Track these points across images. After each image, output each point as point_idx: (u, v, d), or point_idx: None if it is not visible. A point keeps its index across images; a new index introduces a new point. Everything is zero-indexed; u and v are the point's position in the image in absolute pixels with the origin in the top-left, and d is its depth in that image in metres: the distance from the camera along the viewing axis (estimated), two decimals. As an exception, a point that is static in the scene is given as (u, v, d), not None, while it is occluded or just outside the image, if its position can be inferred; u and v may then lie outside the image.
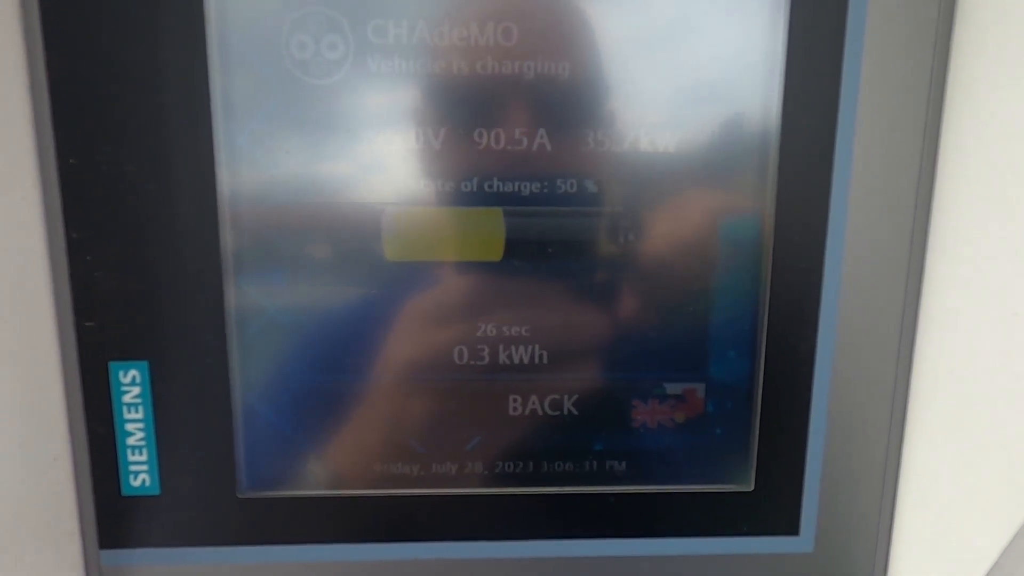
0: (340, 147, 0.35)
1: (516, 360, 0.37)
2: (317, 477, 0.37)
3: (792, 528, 0.38)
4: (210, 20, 0.33)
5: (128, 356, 0.35)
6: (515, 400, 0.38)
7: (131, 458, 0.36)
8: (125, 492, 0.36)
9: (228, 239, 0.35)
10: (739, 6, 0.34)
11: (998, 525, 0.32)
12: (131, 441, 0.35)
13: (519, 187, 0.36)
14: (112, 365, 0.35)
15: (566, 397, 0.38)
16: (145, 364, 0.35)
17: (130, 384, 0.35)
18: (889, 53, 0.34)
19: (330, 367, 0.37)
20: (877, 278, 0.36)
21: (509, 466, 0.38)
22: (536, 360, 0.37)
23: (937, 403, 0.36)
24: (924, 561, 0.37)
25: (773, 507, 0.38)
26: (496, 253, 0.36)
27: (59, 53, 0.32)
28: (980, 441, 0.34)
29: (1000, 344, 0.33)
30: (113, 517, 0.36)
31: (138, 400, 0.35)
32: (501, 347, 0.37)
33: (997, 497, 0.32)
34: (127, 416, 0.35)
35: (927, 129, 0.35)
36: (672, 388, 0.38)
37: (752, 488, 0.38)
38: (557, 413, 0.38)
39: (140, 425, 0.35)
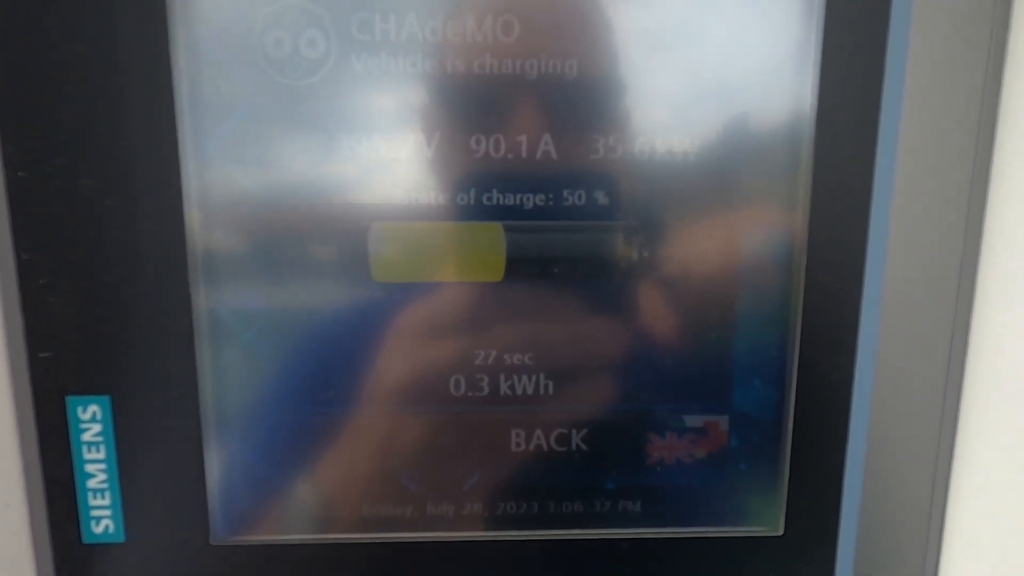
0: (321, 156, 0.31)
1: (519, 391, 0.34)
2: (299, 521, 0.34)
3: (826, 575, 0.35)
4: (174, 15, 0.29)
5: (88, 390, 0.31)
6: (518, 435, 0.34)
7: (92, 502, 0.32)
8: (86, 540, 0.32)
9: (197, 258, 0.31)
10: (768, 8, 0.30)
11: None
12: (92, 484, 0.32)
13: (521, 199, 0.32)
14: (70, 400, 0.31)
15: (574, 431, 0.34)
16: (107, 399, 0.31)
17: (90, 421, 0.31)
18: (938, 47, 0.30)
19: (312, 399, 0.33)
20: (922, 299, 0.32)
21: (512, 507, 0.35)
22: (541, 391, 0.34)
23: (989, 438, 0.33)
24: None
25: (805, 554, 0.34)
26: (496, 273, 0.32)
27: (4, 52, 0.29)
28: (1042, 484, 0.30)
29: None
30: (73, 567, 0.33)
31: (99, 438, 0.32)
32: (502, 376, 0.33)
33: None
34: (87, 456, 0.32)
35: (980, 134, 0.31)
36: (692, 421, 0.34)
37: (781, 532, 0.34)
38: (564, 449, 0.34)
39: (102, 466, 0.32)
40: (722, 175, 0.32)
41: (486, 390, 0.33)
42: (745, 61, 0.31)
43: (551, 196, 0.32)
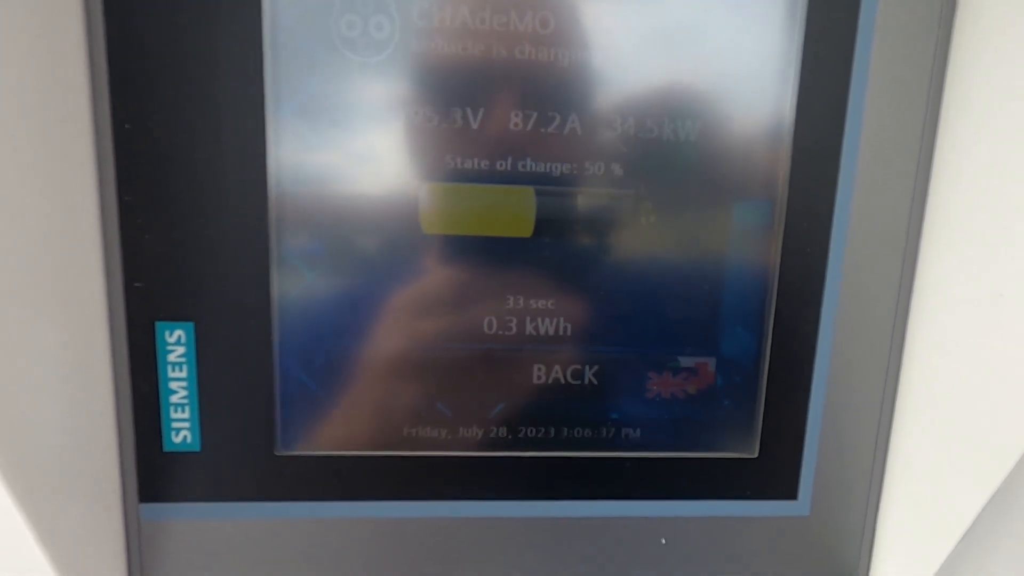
0: (382, 123, 0.36)
1: (542, 332, 0.39)
2: (350, 438, 0.39)
3: (791, 493, 0.41)
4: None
5: (174, 317, 0.36)
6: (539, 369, 0.40)
7: (173, 415, 0.37)
8: (167, 448, 0.37)
9: (274, 208, 0.36)
10: (760, 10, 0.37)
11: (977, 488, 0.36)
12: (174, 399, 0.37)
13: (551, 168, 0.38)
14: (159, 325, 0.36)
15: (587, 368, 0.40)
16: (191, 325, 0.36)
17: (175, 344, 0.36)
18: (894, 57, 0.37)
19: (365, 334, 0.38)
20: (876, 265, 0.39)
21: (531, 431, 0.40)
22: (560, 332, 0.40)
23: (926, 380, 0.40)
24: (909, 523, 0.40)
25: (775, 474, 0.41)
26: (527, 229, 0.38)
27: (118, 20, 0.33)
28: (962, 413, 0.37)
29: (985, 324, 0.36)
30: (154, 472, 0.38)
31: (183, 359, 0.36)
32: (528, 319, 0.39)
33: (976, 463, 0.36)
34: (171, 375, 0.37)
35: (925, 127, 0.38)
36: (685, 362, 0.41)
37: (756, 455, 0.41)
38: (578, 382, 0.40)
39: (183, 384, 0.37)
40: (717, 155, 0.38)
41: (514, 330, 0.39)
42: (740, 63, 0.37)
43: (576, 166, 0.38)
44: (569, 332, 0.40)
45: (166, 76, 0.34)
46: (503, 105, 0.37)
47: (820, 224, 0.39)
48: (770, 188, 0.39)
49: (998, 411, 0.35)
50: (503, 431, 0.40)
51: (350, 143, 0.37)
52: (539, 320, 0.39)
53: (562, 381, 0.40)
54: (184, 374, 0.37)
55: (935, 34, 0.37)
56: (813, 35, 0.37)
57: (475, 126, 0.37)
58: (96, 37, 0.33)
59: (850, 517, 0.42)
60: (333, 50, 0.36)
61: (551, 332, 0.40)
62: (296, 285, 0.37)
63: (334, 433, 0.39)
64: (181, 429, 0.37)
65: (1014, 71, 0.34)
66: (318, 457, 0.39)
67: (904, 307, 0.40)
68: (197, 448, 0.38)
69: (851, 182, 0.38)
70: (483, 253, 0.38)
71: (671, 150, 0.38)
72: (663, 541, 0.41)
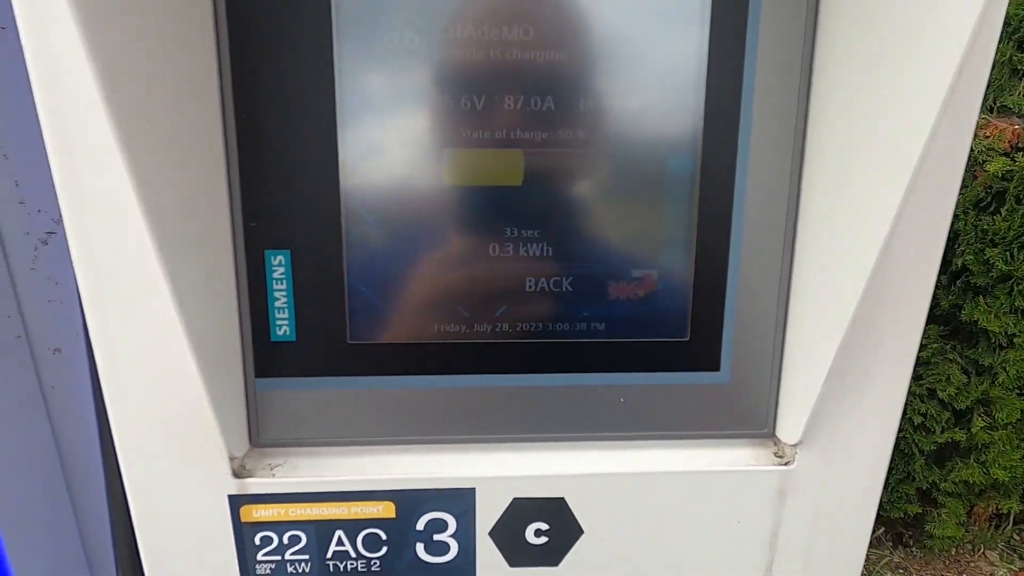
0: (415, 110, 0.52)
1: (532, 253, 0.55)
2: (399, 332, 0.56)
3: (715, 366, 0.57)
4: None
5: (277, 247, 0.52)
6: (530, 281, 0.56)
7: (277, 317, 0.54)
8: (273, 339, 0.54)
9: (343, 174, 0.52)
10: (677, 16, 0.52)
11: (830, 341, 0.51)
12: (277, 304, 0.53)
13: (534, 136, 0.53)
14: (267, 252, 0.52)
15: (564, 279, 0.56)
16: (288, 252, 0.53)
17: (278, 265, 0.53)
18: (776, 48, 0.52)
19: (407, 259, 0.55)
20: (770, 196, 0.55)
21: (525, 326, 0.57)
22: (545, 254, 0.55)
23: (812, 279, 0.55)
24: (801, 383, 0.56)
25: (702, 351, 0.57)
26: (518, 180, 0.54)
27: (237, 19, 0.49)
28: (834, 299, 0.53)
29: (849, 236, 0.51)
30: (263, 356, 0.54)
31: (283, 276, 0.53)
32: (521, 244, 0.55)
33: (827, 324, 0.51)
34: (275, 288, 0.53)
35: (799, 99, 0.53)
36: (636, 273, 0.56)
37: (688, 339, 0.57)
38: (558, 290, 0.56)
39: (284, 293, 0.53)
40: (657, 121, 0.54)
41: (511, 252, 0.55)
42: (671, 57, 0.53)
43: (552, 134, 0.53)
44: (551, 253, 0.56)
45: (279, 83, 0.50)
46: (500, 92, 0.53)
47: (727, 169, 0.54)
48: (692, 142, 0.54)
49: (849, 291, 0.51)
50: (505, 326, 0.56)
51: (393, 124, 0.52)
52: (529, 244, 0.55)
53: (547, 289, 0.56)
54: (284, 287, 0.53)
55: (803, 38, 0.52)
56: (717, 37, 0.52)
57: (479, 108, 0.53)
58: (221, 23, 0.49)
59: (760, 383, 0.58)
60: (381, 59, 0.51)
61: (538, 253, 0.55)
62: (359, 224, 0.53)
63: (387, 329, 0.55)
64: (282, 325, 0.54)
65: (871, 20, 0.49)
66: (376, 345, 0.55)
67: (792, 226, 0.55)
68: (293, 339, 0.54)
69: (749, 140, 0.54)
70: (487, 198, 0.54)
71: (621, 119, 0.54)
72: (622, 400, 0.57)
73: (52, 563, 0.65)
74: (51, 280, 0.57)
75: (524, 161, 0.54)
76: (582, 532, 0.58)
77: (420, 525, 0.57)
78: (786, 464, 0.58)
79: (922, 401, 1.60)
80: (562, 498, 0.57)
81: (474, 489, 0.56)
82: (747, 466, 0.58)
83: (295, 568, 0.57)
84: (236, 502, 0.55)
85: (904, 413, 0.66)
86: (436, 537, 0.57)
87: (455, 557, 0.58)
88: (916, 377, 1.59)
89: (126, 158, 0.40)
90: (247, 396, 0.55)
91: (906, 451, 1.65)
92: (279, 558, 0.57)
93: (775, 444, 0.60)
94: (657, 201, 0.55)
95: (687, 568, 0.61)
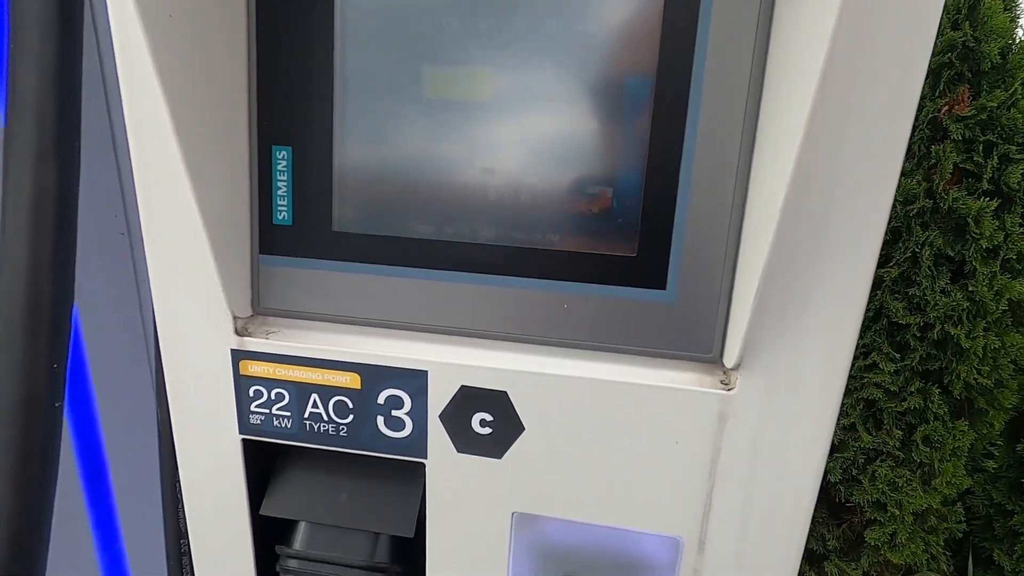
0: (398, 31, 0.60)
1: (499, 168, 0.61)
2: (375, 225, 0.64)
3: (661, 284, 0.59)
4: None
5: (281, 143, 0.63)
6: (493, 189, 0.62)
7: (278, 203, 0.64)
8: (275, 222, 0.64)
9: (338, 90, 0.61)
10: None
11: (758, 258, 0.52)
12: (279, 192, 0.64)
13: (505, 56, 0.59)
14: (273, 147, 0.63)
15: (525, 190, 0.61)
16: (290, 148, 0.63)
17: (281, 159, 0.63)
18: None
19: (384, 162, 0.63)
20: (723, 121, 0.56)
21: (486, 231, 0.62)
22: (511, 167, 0.61)
23: (762, 203, 0.56)
24: (748, 307, 0.57)
25: (649, 268, 0.59)
26: (488, 96, 0.60)
27: (265, 15, 0.60)
28: (767, 215, 0.53)
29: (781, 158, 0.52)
30: (267, 235, 0.65)
31: (285, 169, 0.63)
32: (488, 154, 0.61)
33: (760, 243, 0.52)
34: (278, 179, 0.63)
35: (759, 25, 0.54)
36: (592, 190, 0.60)
37: (635, 254, 0.59)
38: (519, 199, 0.61)
39: (285, 182, 0.63)
40: (620, 48, 0.57)
41: (477, 162, 0.61)
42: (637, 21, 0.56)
43: (522, 58, 0.59)
44: (515, 167, 0.61)
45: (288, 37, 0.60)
46: (480, 23, 0.59)
47: (680, 91, 0.56)
48: (648, 65, 0.57)
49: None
50: (467, 229, 0.63)
51: (378, 47, 0.61)
52: (494, 156, 0.61)
53: (507, 198, 0.62)
54: (286, 178, 0.63)
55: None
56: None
57: (455, 31, 0.60)
58: (251, 10, 0.60)
59: (708, 306, 0.59)
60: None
61: (505, 167, 0.61)
62: (348, 130, 0.62)
63: (366, 222, 0.64)
64: (282, 211, 0.64)
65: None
66: (355, 235, 0.64)
67: (748, 152, 0.56)
68: (291, 223, 0.64)
69: (703, 69, 0.55)
70: (463, 109, 0.61)
71: (582, 45, 0.58)
72: (565, 306, 0.61)
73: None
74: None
75: (493, 80, 0.60)
76: (523, 429, 0.63)
77: (380, 399, 0.64)
78: (729, 390, 0.59)
79: None
80: (505, 392, 0.62)
81: (427, 372, 0.63)
82: (686, 385, 0.59)
83: (279, 423, 0.67)
84: (236, 356, 0.66)
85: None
86: (394, 413, 0.65)
87: (410, 434, 0.65)
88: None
89: (160, 80, 0.52)
90: (252, 268, 0.66)
91: None
92: (267, 411, 0.67)
93: (724, 372, 0.60)
94: (615, 123, 0.59)
95: (627, 484, 0.63)
